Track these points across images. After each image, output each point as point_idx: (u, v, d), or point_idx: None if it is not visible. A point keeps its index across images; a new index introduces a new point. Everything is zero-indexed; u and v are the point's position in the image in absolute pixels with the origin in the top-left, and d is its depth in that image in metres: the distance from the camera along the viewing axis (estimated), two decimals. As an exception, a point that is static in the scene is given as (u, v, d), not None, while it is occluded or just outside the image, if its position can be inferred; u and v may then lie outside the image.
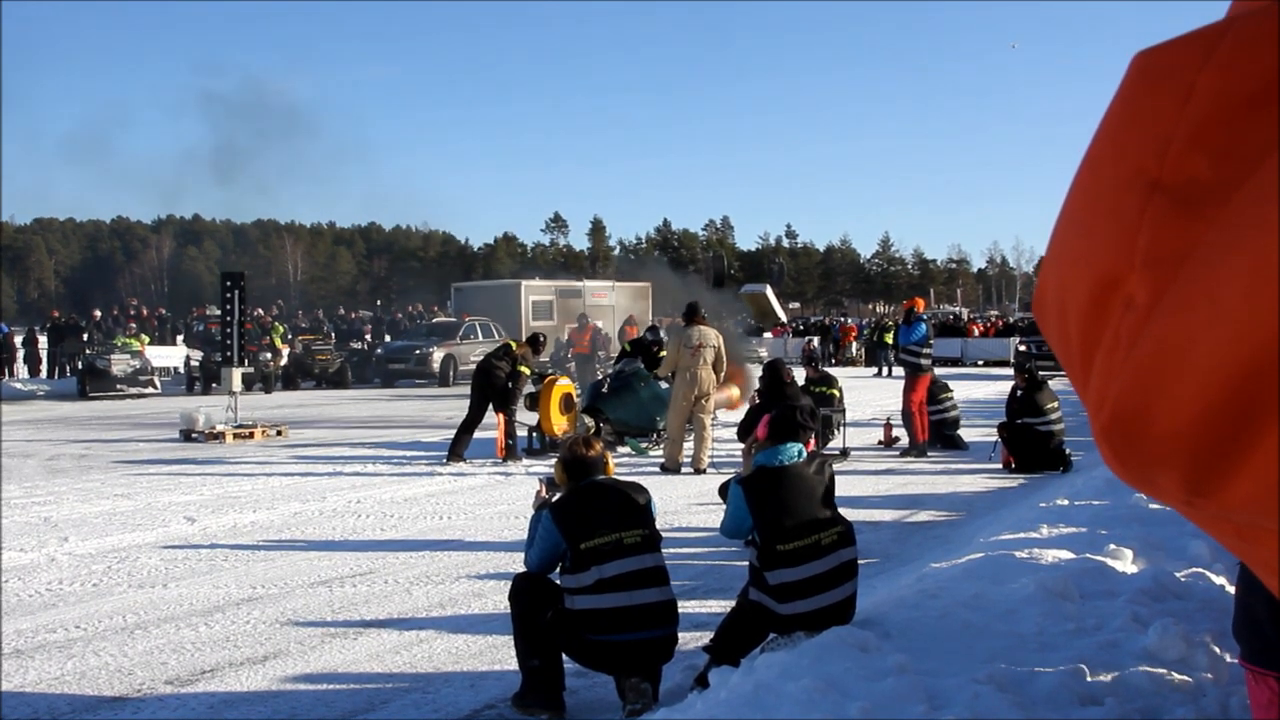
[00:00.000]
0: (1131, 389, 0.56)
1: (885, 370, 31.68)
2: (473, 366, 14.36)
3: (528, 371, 13.15)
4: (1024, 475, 11.83)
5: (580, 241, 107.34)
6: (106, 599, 6.74)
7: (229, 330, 16.12)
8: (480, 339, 28.11)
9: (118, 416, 19.49)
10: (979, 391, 22.69)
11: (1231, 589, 4.09)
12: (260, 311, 32.71)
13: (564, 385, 14.19)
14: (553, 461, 5.37)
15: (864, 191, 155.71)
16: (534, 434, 13.83)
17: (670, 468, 12.14)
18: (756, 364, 16.61)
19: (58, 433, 16.70)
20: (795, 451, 5.11)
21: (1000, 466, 12.26)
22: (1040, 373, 12.58)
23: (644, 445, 13.96)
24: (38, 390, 25.34)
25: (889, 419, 14.66)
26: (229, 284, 16.38)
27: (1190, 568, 5.69)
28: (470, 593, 6.87)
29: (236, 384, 16.13)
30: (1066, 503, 8.53)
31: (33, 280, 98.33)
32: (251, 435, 15.48)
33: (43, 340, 29.66)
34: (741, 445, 9.92)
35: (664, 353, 14.47)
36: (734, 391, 16.11)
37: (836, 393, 13.94)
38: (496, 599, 6.21)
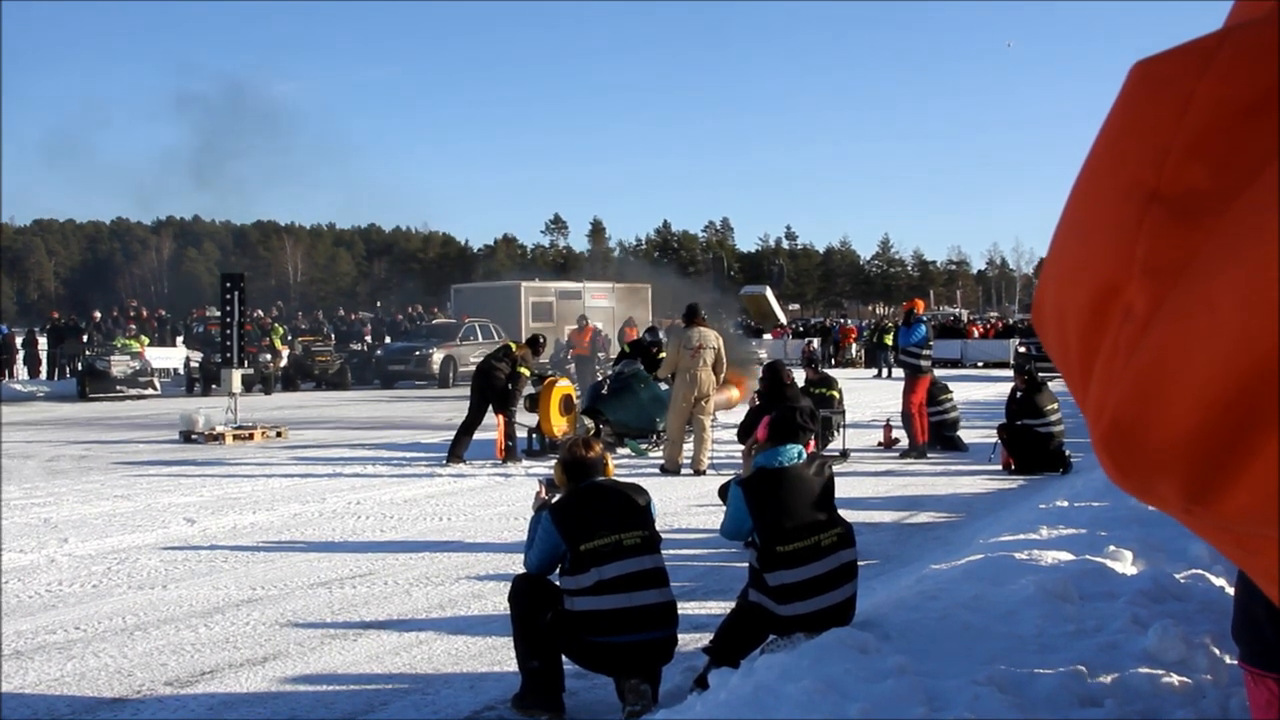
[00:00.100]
0: (1130, 398, 0.56)
1: (885, 372, 31.68)
2: (472, 368, 14.37)
3: (527, 373, 13.15)
4: (1024, 477, 11.83)
5: (580, 243, 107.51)
6: (106, 600, 6.74)
7: (229, 331, 16.12)
8: (480, 340, 28.11)
9: (117, 418, 19.50)
10: (979, 393, 22.69)
11: (1231, 590, 4.09)
12: (260, 313, 32.74)
13: (564, 387, 14.20)
14: (552, 463, 5.38)
15: (864, 193, 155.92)
16: (534, 435, 13.84)
17: (670, 469, 12.15)
18: (757, 365, 16.59)
19: (57, 434, 16.70)
20: (795, 453, 5.11)
21: (1000, 468, 12.26)
22: (1040, 374, 12.58)
23: (644, 446, 13.96)
24: (37, 391, 25.35)
25: (889, 420, 14.66)
26: (229, 285, 16.39)
27: (1190, 569, 5.69)
28: (470, 594, 6.87)
29: (236, 385, 16.13)
30: (1066, 504, 8.53)
31: (32, 281, 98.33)
32: (251, 436, 15.48)
33: (43, 341, 29.67)
34: (741, 446, 9.93)
35: (663, 354, 14.48)
36: (733, 393, 16.12)
37: (836, 394, 13.94)
38: (496, 600, 6.21)
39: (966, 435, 14.30)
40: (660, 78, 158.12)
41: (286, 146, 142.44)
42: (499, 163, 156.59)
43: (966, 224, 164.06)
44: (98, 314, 31.55)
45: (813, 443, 5.76)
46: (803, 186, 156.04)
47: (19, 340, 30.21)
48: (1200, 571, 5.62)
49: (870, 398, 21.63)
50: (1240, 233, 0.53)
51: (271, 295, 69.86)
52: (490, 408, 12.87)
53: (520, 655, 4.78)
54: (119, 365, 24.31)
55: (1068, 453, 12.12)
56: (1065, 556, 6.21)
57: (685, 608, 5.32)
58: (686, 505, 9.98)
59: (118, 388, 24.03)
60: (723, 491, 5.36)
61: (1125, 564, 6.06)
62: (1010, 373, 16.55)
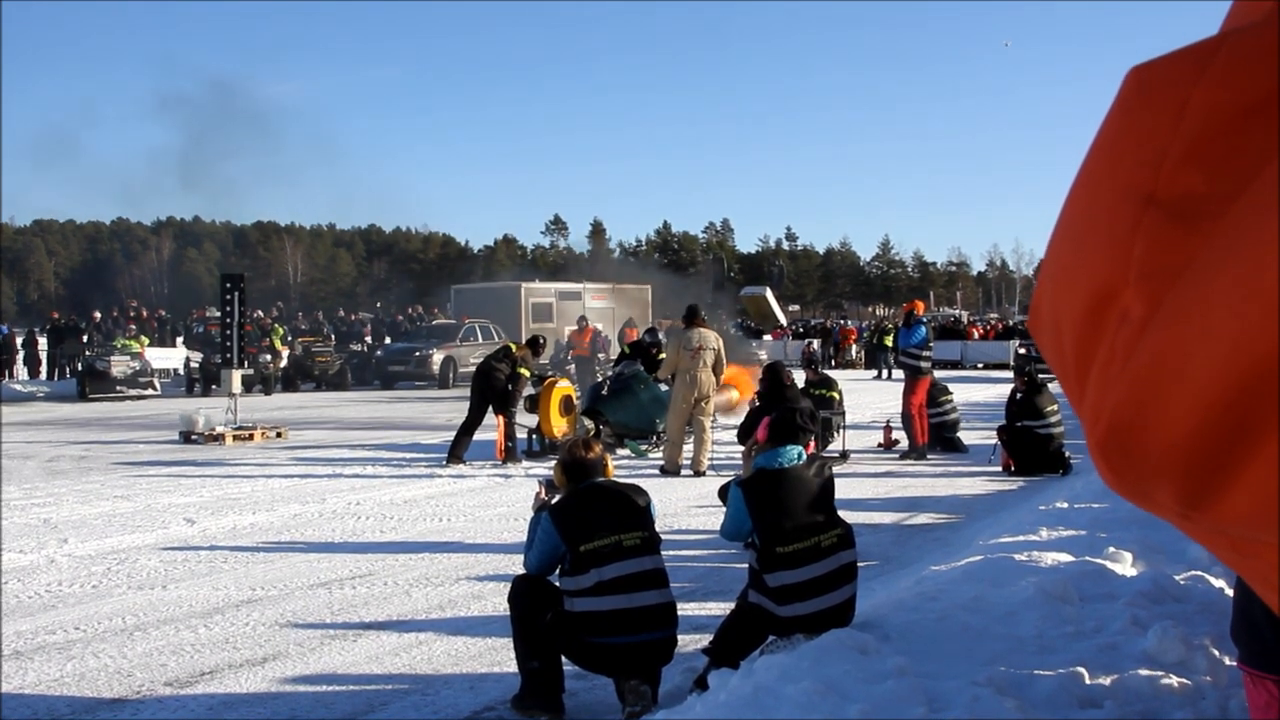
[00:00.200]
0: (1127, 402, 0.56)
1: (885, 373, 31.69)
2: (472, 368, 14.38)
3: (527, 373, 13.15)
4: (1023, 478, 11.84)
5: (580, 244, 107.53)
6: (106, 601, 6.74)
7: (229, 332, 16.12)
8: (480, 341, 28.12)
9: (117, 418, 19.50)
10: (978, 394, 22.69)
11: (1230, 592, 4.09)
12: (260, 313, 32.73)
13: (564, 387, 14.20)
14: (552, 464, 5.38)
15: (864, 194, 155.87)
16: (534, 436, 13.84)
17: (670, 470, 12.15)
18: (756, 366, 16.59)
19: (57, 434, 16.70)
20: (795, 454, 5.11)
21: (1000, 469, 12.26)
22: (1040, 376, 12.59)
23: (643, 447, 13.96)
24: (37, 392, 25.34)
25: (888, 422, 14.66)
26: (229, 286, 16.39)
27: (1189, 570, 5.69)
28: (469, 595, 6.87)
29: (236, 386, 16.14)
30: (1066, 505, 8.53)
31: (32, 282, 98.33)
32: (251, 437, 15.49)
33: (42, 342, 29.67)
34: (741, 447, 9.93)
35: (663, 355, 14.49)
36: (733, 394, 16.12)
37: (836, 395, 13.94)
38: (496, 601, 6.21)
39: (966, 437, 14.30)
40: (660, 78, 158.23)
41: (286, 147, 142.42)
42: (499, 163, 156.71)
43: (967, 225, 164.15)
44: (98, 314, 31.57)
45: (812, 444, 5.76)
46: (803, 187, 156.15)
47: (19, 340, 30.20)
48: (1200, 573, 5.62)
49: (870, 399, 21.64)
50: (1237, 237, 0.53)
51: (271, 296, 69.80)
52: (490, 408, 12.88)
53: (520, 656, 4.78)
54: (119, 366, 24.31)
55: (1067, 454, 12.13)
56: (1065, 558, 6.22)
57: (685, 608, 5.32)
58: (686, 506, 9.98)
59: (118, 388, 24.04)
60: (722, 492, 5.36)
61: (1125, 565, 6.06)
62: (1010, 374, 16.56)
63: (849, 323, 50.28)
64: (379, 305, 57.05)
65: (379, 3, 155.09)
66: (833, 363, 36.68)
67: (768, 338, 38.49)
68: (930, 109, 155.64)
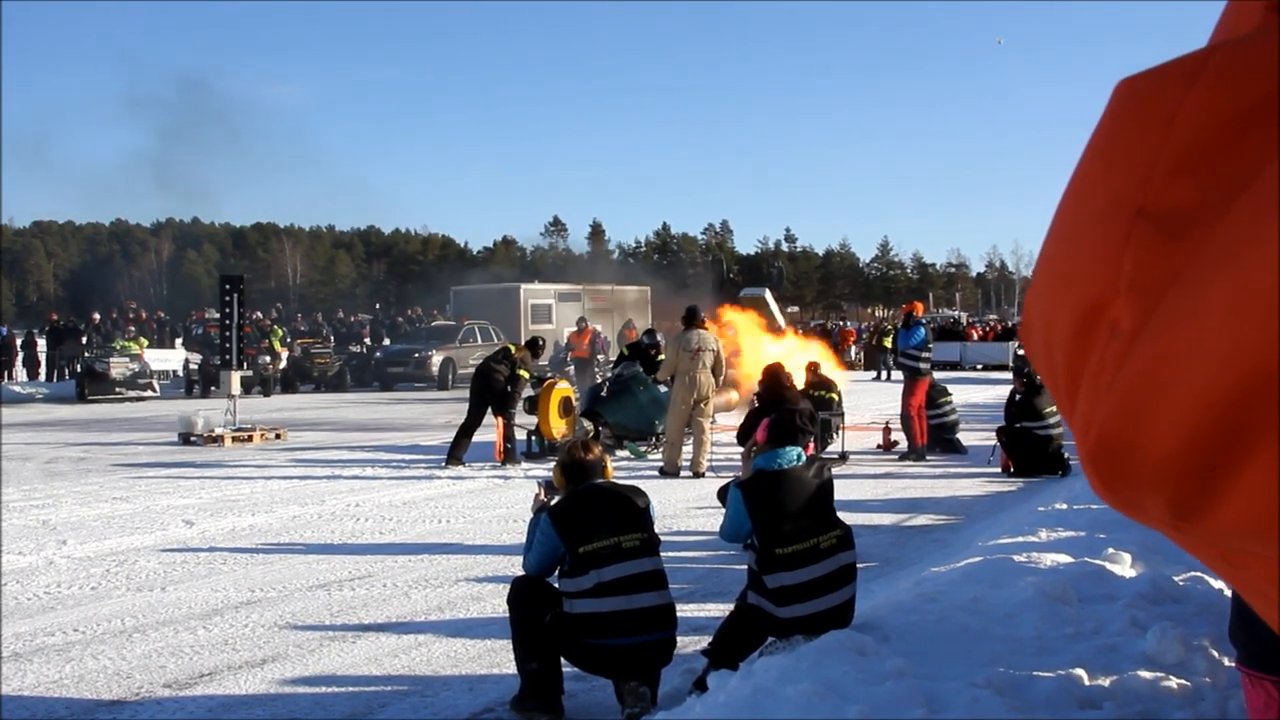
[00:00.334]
0: (1117, 414, 0.57)
1: (884, 374, 31.69)
2: (472, 370, 14.38)
3: (527, 375, 13.16)
4: (1022, 479, 11.84)
5: (580, 245, 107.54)
6: (105, 602, 6.74)
7: (228, 333, 16.13)
8: (479, 342, 28.13)
9: (116, 419, 19.49)
10: (978, 395, 22.70)
11: (1229, 593, 4.10)
12: (259, 315, 32.77)
13: (563, 389, 14.21)
14: (551, 465, 5.38)
15: (863, 195, 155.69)
16: (533, 437, 13.84)
17: (669, 471, 12.15)
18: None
19: (56, 435, 16.70)
20: (794, 455, 5.11)
21: (999, 470, 12.27)
22: (1039, 377, 12.58)
23: (643, 449, 13.96)
24: (36, 393, 25.33)
25: (888, 423, 14.67)
26: (228, 287, 16.40)
27: (1188, 572, 5.69)
28: (469, 596, 6.87)
29: (235, 387, 16.14)
30: (1065, 507, 8.53)
31: (31, 283, 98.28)
32: (250, 438, 15.49)
33: (41, 343, 29.65)
34: (740, 449, 9.93)
35: (662, 356, 14.49)
36: (732, 395, 16.13)
37: (835, 396, 13.95)
38: (495, 602, 6.21)
39: (966, 438, 14.30)
40: (659, 79, 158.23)
41: (286, 149, 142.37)
42: (498, 165, 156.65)
43: (966, 227, 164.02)
44: (97, 316, 31.58)
45: (812, 445, 5.76)
46: (802, 188, 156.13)
47: (18, 342, 30.19)
48: (1199, 574, 5.62)
49: (869, 400, 21.64)
50: (1226, 249, 0.53)
51: (271, 297, 69.83)
52: (489, 410, 12.88)
53: (519, 657, 4.78)
54: (118, 367, 24.30)
55: (1066, 455, 12.12)
56: (1064, 559, 6.22)
57: (684, 610, 5.32)
58: (685, 507, 9.98)
59: (117, 389, 24.03)
60: (722, 494, 5.37)
61: (1124, 566, 6.06)
62: (1009, 375, 16.57)
63: (848, 324, 50.30)
64: (378, 307, 57.08)
65: (376, 4, 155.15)
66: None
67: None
68: (929, 110, 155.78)
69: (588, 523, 4.74)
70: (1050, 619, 5.00)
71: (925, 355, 13.61)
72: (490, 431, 12.97)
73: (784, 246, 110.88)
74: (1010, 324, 44.49)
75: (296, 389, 27.04)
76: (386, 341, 33.85)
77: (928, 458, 13.39)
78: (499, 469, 12.50)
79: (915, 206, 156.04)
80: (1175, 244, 0.56)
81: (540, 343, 14.00)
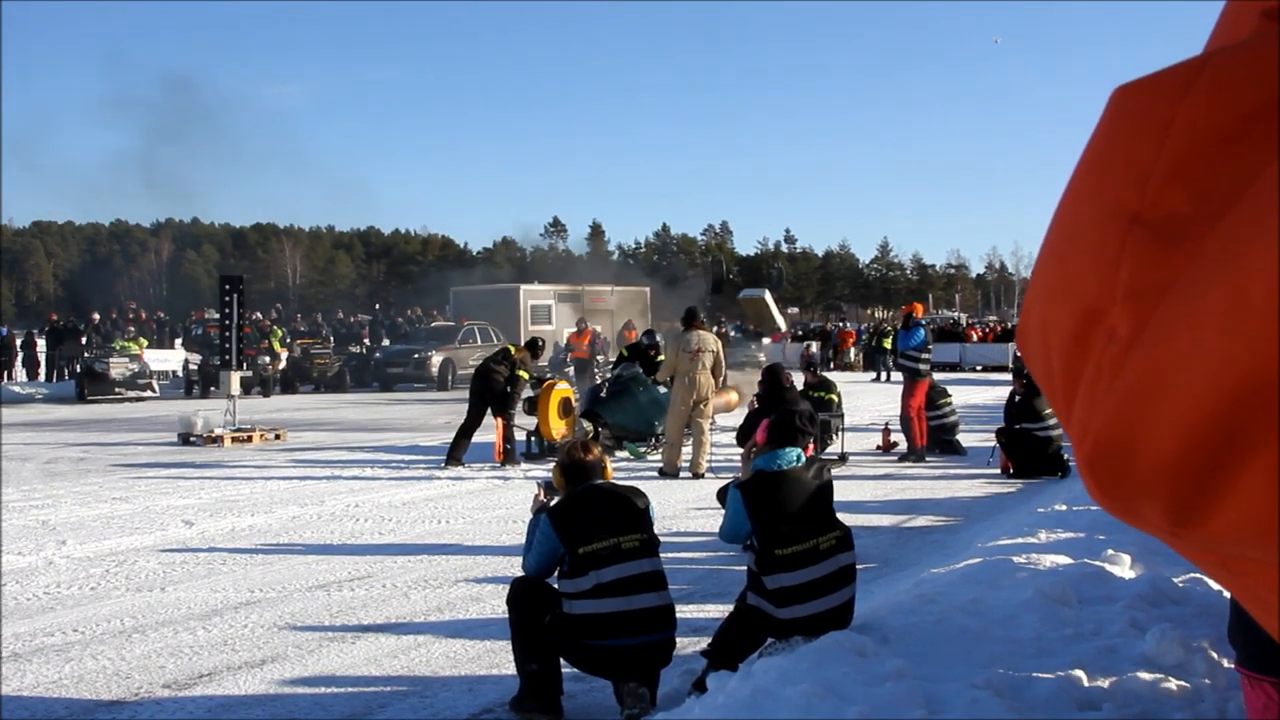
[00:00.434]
0: (1114, 420, 0.57)
1: (884, 375, 31.69)
2: (471, 370, 14.38)
3: (526, 376, 13.16)
4: (1022, 480, 11.85)
5: (579, 246, 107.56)
6: (104, 602, 6.74)
7: (227, 334, 16.13)
8: (479, 343, 28.13)
9: (116, 420, 19.49)
10: (977, 397, 22.70)
11: (1228, 595, 4.10)
12: (259, 315, 32.77)
13: (562, 390, 14.21)
14: (551, 466, 5.38)
15: (863, 197, 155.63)
16: (532, 438, 13.84)
17: (668, 472, 12.15)
18: (755, 369, 16.61)
19: (56, 436, 16.69)
20: (794, 456, 5.12)
21: (998, 472, 12.27)
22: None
23: (642, 450, 13.96)
24: (36, 393, 25.32)
25: (887, 424, 14.67)
26: (228, 287, 16.40)
27: (1188, 573, 5.69)
28: (468, 597, 6.87)
29: (235, 387, 16.13)
30: (1064, 508, 8.54)
31: (31, 283, 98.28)
32: (250, 439, 15.48)
33: (41, 343, 29.65)
34: (740, 449, 9.93)
35: (662, 357, 14.49)
36: (732, 396, 16.13)
37: (835, 398, 13.95)
38: (494, 603, 6.22)
39: (965, 439, 14.30)
40: (659, 81, 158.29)
41: (285, 150, 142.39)
42: (498, 166, 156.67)
43: (965, 228, 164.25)
44: (96, 316, 31.56)
45: (811, 446, 5.76)
46: (802, 190, 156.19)
47: (18, 342, 30.19)
48: (1198, 576, 5.62)
49: (869, 401, 21.64)
50: (1222, 254, 0.53)
51: (270, 297, 69.82)
52: (489, 410, 12.88)
53: (518, 658, 4.78)
54: (118, 367, 24.29)
55: (1066, 457, 12.12)
56: (1063, 560, 6.22)
57: (684, 611, 5.32)
58: (685, 508, 9.98)
59: (116, 390, 24.03)
60: (721, 494, 5.37)
61: (1123, 568, 6.06)
62: (1009, 377, 16.57)
63: (848, 325, 50.29)
64: (377, 307, 57.07)
65: (375, 4, 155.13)
66: (831, 365, 36.69)
67: (766, 340, 38.49)
68: (929, 111, 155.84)
69: (587, 523, 4.74)
70: (1050, 620, 5.00)
71: (925, 356, 13.61)
72: (490, 432, 12.97)
73: (784, 247, 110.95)
74: (1010, 325, 44.48)
75: (296, 389, 27.03)
76: (386, 342, 33.85)
77: (927, 459, 13.39)
78: (498, 470, 12.50)
79: (915, 207, 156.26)
80: (1171, 251, 0.56)
81: (540, 343, 14.01)
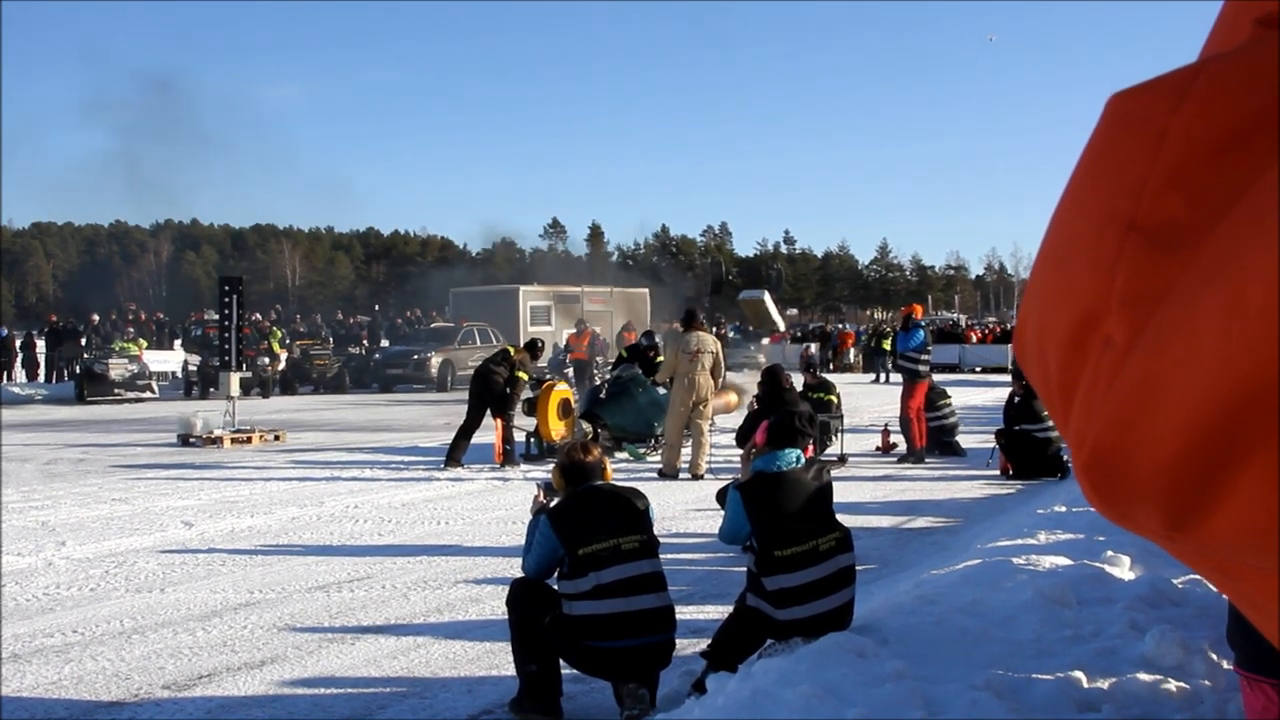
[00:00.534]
0: (1111, 426, 0.57)
1: (883, 376, 31.68)
2: (471, 372, 14.38)
3: (526, 377, 13.16)
4: (1021, 482, 11.85)
5: (579, 247, 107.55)
6: (104, 604, 6.74)
7: (227, 335, 16.13)
8: (478, 344, 28.14)
9: (115, 421, 19.48)
10: (977, 398, 22.70)
11: (1227, 596, 4.10)
12: (258, 316, 32.76)
13: (562, 391, 14.21)
14: (550, 467, 5.38)
15: (862, 198, 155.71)
16: (532, 439, 13.84)
17: (668, 473, 12.15)
18: (755, 369, 16.61)
19: (55, 437, 16.69)
20: (793, 457, 5.12)
21: (998, 473, 12.27)
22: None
23: (642, 451, 13.96)
24: (35, 394, 25.31)
25: (887, 425, 14.67)
26: (227, 288, 16.40)
27: (1187, 575, 5.69)
28: (468, 598, 6.87)
29: (234, 389, 16.13)
30: (1064, 509, 8.53)
31: (31, 284, 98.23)
32: (249, 440, 15.48)
33: (41, 344, 29.65)
34: (739, 451, 9.93)
35: (661, 358, 14.49)
36: (731, 397, 16.13)
37: (835, 399, 13.96)
38: (494, 604, 6.22)
39: (965, 440, 14.31)
40: (658, 82, 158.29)
41: (284, 151, 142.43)
42: (497, 167, 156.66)
43: (965, 229, 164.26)
44: (96, 317, 31.59)
45: (811, 447, 5.76)
46: (801, 191, 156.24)
47: (17, 343, 30.19)
48: (1198, 577, 5.61)
49: (868, 402, 21.64)
50: (1218, 261, 0.54)
51: (270, 298, 69.75)
52: (488, 412, 12.88)
53: (518, 659, 4.78)
54: (117, 368, 24.29)
55: (1065, 458, 12.12)
56: (1063, 561, 6.22)
57: (683, 612, 5.32)
58: (684, 510, 9.98)
59: (116, 391, 24.02)
60: (721, 496, 5.37)
61: (1123, 569, 6.06)
62: (1008, 378, 16.57)
63: (847, 326, 50.28)
64: (377, 308, 57.06)
65: (374, 4, 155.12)
66: (831, 366, 36.70)
67: (766, 341, 38.49)
68: (928, 112, 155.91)
69: (587, 525, 4.74)
70: (1049, 621, 5.00)
71: (924, 358, 13.61)
72: (489, 433, 12.97)
73: (783, 248, 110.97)
74: (1009, 327, 44.44)
75: (295, 390, 27.02)
76: (385, 343, 33.84)
77: (927, 460, 13.39)
78: (498, 471, 12.50)
79: (914, 209, 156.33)
80: (1167, 258, 0.57)
81: (539, 345, 14.01)
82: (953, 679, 4.23)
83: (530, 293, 35.72)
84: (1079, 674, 4.29)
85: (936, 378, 15.70)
